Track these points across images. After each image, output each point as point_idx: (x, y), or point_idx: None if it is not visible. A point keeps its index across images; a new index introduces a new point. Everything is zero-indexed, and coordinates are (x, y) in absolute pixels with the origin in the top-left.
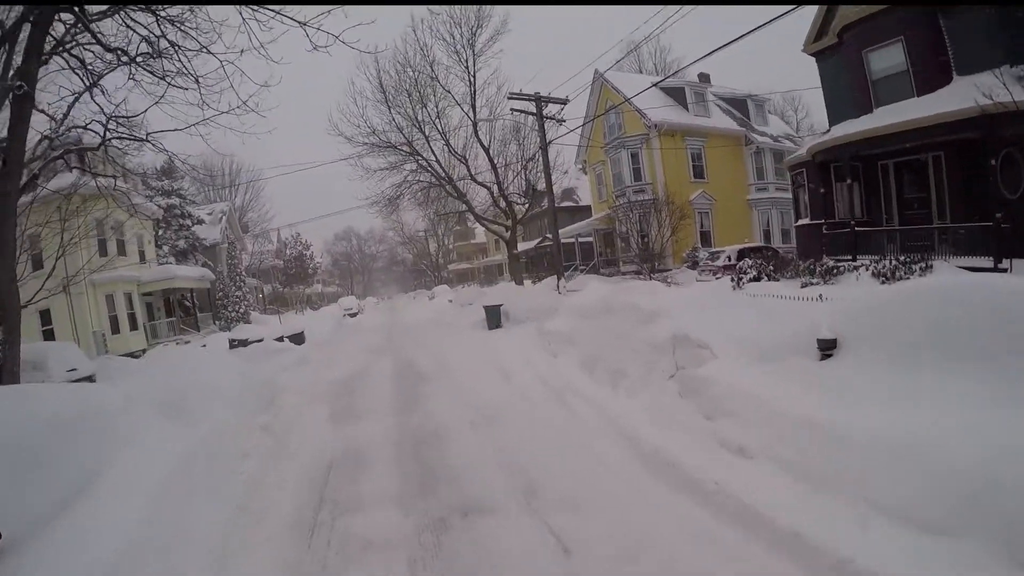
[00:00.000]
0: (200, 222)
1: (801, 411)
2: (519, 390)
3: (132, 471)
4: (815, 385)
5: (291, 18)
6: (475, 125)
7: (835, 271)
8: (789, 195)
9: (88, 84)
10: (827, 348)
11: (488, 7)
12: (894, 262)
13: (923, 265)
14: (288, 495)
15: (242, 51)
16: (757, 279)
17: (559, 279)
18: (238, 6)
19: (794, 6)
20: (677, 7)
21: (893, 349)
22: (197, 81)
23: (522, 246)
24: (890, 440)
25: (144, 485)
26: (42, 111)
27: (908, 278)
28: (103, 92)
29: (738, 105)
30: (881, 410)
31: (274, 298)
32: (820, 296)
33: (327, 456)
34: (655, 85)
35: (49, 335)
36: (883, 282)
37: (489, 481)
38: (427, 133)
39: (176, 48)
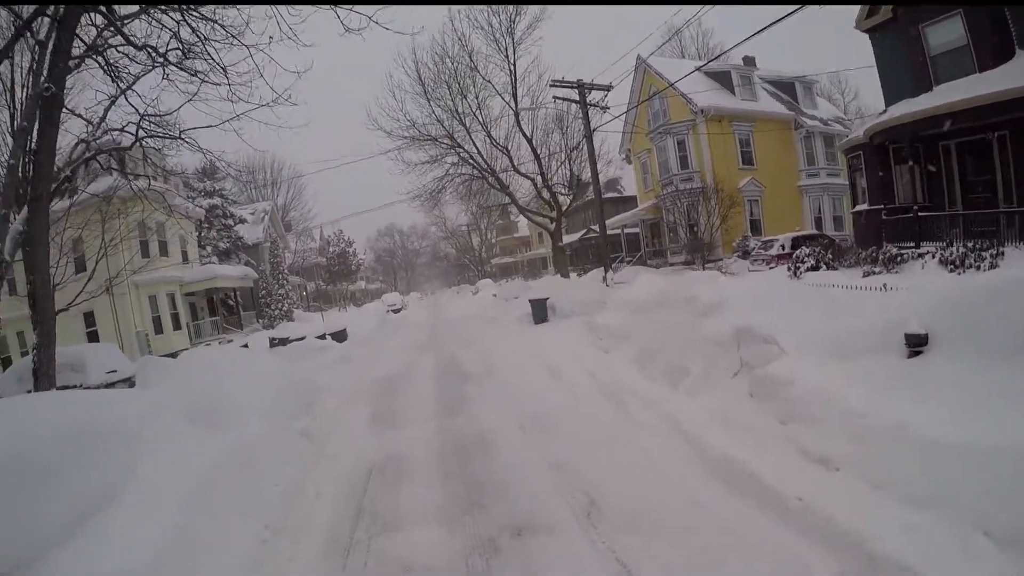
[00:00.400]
0: (242, 221)
1: (891, 416)
2: (570, 389)
3: (157, 485)
4: (904, 386)
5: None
6: (517, 115)
7: (898, 259)
8: (840, 181)
9: (122, 88)
10: (917, 344)
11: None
12: (962, 249)
13: (994, 252)
14: (325, 508)
15: (271, 38)
16: (815, 268)
17: (606, 271)
18: None
19: None
20: None
21: (990, 347)
22: (224, 71)
23: (566, 238)
24: (999, 452)
25: (169, 500)
26: (79, 115)
27: (979, 266)
28: (137, 94)
29: (786, 88)
30: (987, 418)
31: (317, 295)
32: (884, 286)
33: (366, 463)
34: (699, 69)
35: (93, 336)
36: (952, 270)
37: (542, 494)
38: (468, 125)
39: (204, 42)
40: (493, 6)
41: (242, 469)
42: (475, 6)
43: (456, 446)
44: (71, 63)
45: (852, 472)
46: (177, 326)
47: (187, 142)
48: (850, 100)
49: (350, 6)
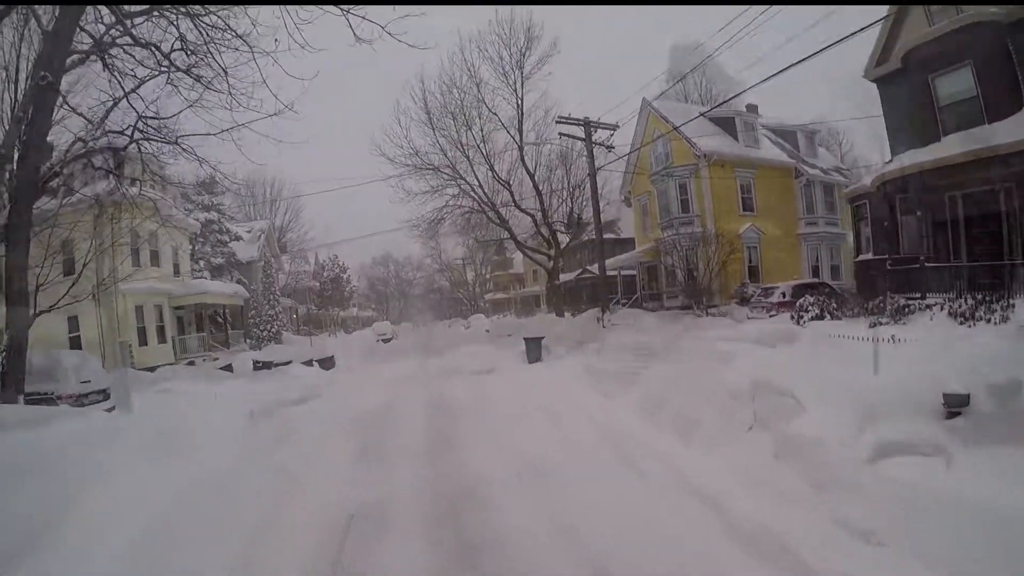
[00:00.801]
0: (238, 239)
1: (936, 484)
2: (571, 436)
3: (103, 521)
4: (946, 451)
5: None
6: (521, 149)
7: (906, 310)
8: (838, 230)
9: (126, 91)
10: (957, 405)
11: (538, 27)
12: (971, 301)
13: (1004, 304)
14: (297, 556)
15: (276, 41)
16: (819, 317)
17: (603, 312)
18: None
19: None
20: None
21: None
22: (225, 72)
23: (562, 277)
24: None
25: (116, 540)
26: (80, 114)
27: (989, 319)
28: (139, 96)
29: (787, 136)
30: None
31: (308, 319)
32: (894, 337)
33: (346, 508)
34: (703, 115)
35: (76, 342)
36: (962, 323)
37: (546, 560)
38: (471, 157)
39: (209, 43)
40: (504, 41)
41: (210, 503)
42: (486, 38)
43: (447, 495)
44: (76, 57)
45: (899, 547)
46: (163, 339)
47: (183, 148)
48: (846, 151)
49: (363, 14)
